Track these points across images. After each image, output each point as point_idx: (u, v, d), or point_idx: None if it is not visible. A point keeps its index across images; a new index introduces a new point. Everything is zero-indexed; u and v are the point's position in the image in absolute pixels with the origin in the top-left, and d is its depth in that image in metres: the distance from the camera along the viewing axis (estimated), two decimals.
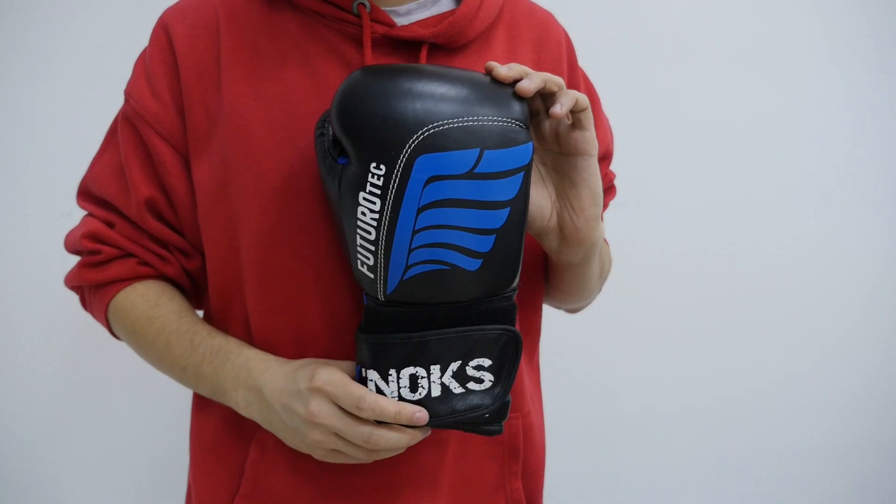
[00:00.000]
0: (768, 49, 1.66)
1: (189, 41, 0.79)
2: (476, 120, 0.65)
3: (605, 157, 0.94)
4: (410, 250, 0.66)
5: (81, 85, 1.35)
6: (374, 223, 0.66)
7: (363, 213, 0.66)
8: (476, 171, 0.65)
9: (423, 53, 0.78)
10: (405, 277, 0.67)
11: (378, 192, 0.65)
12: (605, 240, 0.91)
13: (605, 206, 0.93)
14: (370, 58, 0.76)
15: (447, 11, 0.81)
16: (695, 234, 1.68)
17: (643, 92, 1.62)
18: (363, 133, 0.65)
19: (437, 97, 0.65)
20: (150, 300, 0.83)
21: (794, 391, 1.77)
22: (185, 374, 0.81)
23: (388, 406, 0.69)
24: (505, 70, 0.67)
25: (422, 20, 0.80)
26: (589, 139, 0.69)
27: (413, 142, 0.64)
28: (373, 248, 0.67)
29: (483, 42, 0.82)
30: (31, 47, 1.39)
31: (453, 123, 0.64)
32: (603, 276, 0.92)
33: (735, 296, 1.71)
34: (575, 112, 0.68)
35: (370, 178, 0.65)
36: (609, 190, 0.96)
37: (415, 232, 0.66)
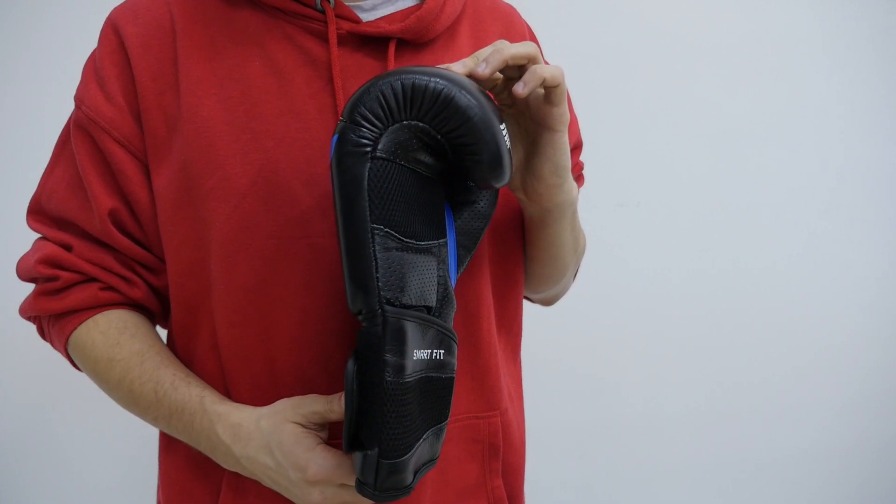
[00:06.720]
0: (770, 50, 1.68)
1: (142, 41, 0.76)
2: None
3: (576, 148, 0.94)
4: None
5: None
6: None
7: None
8: None
9: (391, 50, 0.76)
10: None
11: None
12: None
13: None
14: (336, 55, 0.74)
15: (413, 6, 0.79)
16: (694, 234, 1.69)
17: (643, 92, 1.62)
18: None
19: None
20: (111, 338, 0.78)
21: (794, 390, 1.78)
22: (157, 423, 0.78)
23: None
24: (460, 67, 0.65)
25: (387, 15, 0.78)
26: (556, 115, 0.68)
27: None
28: None
29: (449, 37, 0.81)
30: (37, 49, 1.36)
31: None
32: (577, 252, 0.91)
33: (735, 295, 1.72)
34: (547, 87, 0.66)
35: None
36: (578, 178, 0.96)
37: None
